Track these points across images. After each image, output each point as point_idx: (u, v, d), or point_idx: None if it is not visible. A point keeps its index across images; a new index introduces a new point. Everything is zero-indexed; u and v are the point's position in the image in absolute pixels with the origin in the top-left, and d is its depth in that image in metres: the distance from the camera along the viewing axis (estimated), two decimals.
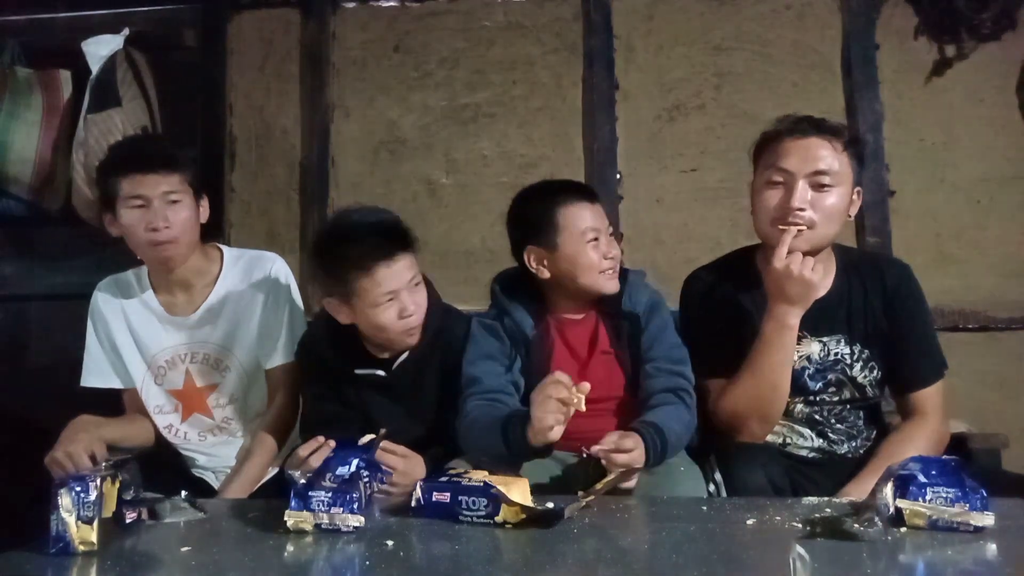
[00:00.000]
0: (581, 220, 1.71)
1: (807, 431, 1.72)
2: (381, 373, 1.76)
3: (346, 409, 1.78)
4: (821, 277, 1.68)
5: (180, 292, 1.94)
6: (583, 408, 1.46)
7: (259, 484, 1.86)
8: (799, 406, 1.71)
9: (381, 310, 1.66)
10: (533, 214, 1.75)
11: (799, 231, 1.61)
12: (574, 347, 1.76)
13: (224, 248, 2.00)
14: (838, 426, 1.72)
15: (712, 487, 1.58)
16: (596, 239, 1.71)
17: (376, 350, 1.76)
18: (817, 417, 1.71)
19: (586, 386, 1.46)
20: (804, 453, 1.70)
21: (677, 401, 1.64)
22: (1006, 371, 2.52)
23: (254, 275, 1.94)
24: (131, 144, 2.00)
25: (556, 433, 1.47)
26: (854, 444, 1.71)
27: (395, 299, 1.66)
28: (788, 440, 1.71)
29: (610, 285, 1.73)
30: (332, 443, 1.49)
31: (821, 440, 1.71)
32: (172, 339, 1.94)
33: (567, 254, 1.71)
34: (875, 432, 1.74)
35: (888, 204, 2.60)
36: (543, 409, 1.45)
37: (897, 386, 1.73)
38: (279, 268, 1.97)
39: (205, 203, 1.93)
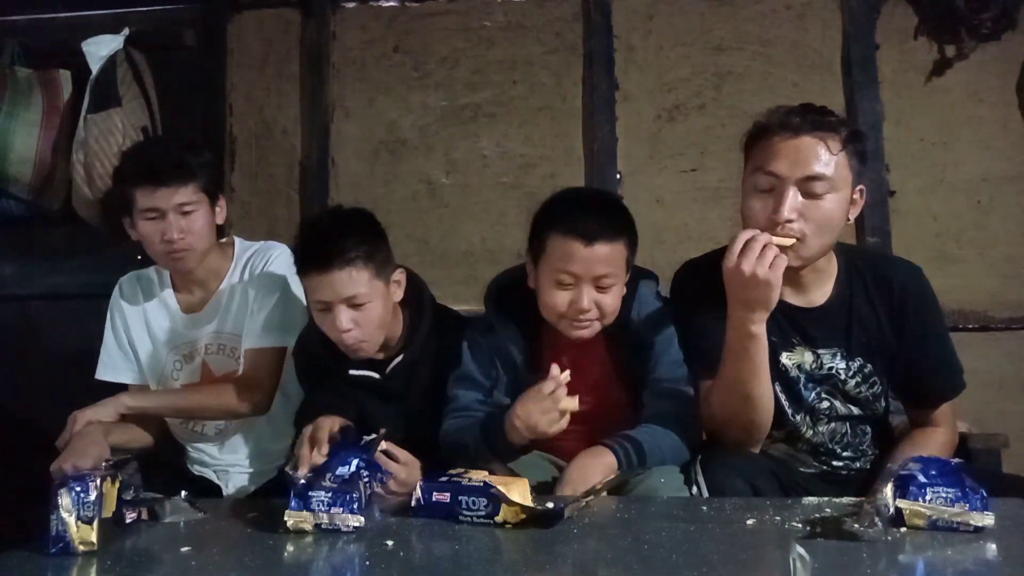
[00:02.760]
0: (560, 258, 1.58)
1: (810, 459, 1.64)
2: (375, 375, 1.75)
3: (342, 401, 1.76)
4: (820, 283, 1.60)
5: (198, 290, 1.97)
6: (575, 407, 1.49)
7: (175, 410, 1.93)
8: (804, 438, 1.62)
9: (316, 316, 1.67)
10: (539, 221, 1.66)
11: (773, 246, 1.43)
12: (571, 369, 1.65)
13: (238, 241, 2.03)
14: (845, 453, 1.64)
15: (695, 489, 1.48)
16: (569, 283, 1.58)
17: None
18: (822, 450, 1.63)
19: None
20: (806, 473, 1.63)
21: (672, 420, 1.58)
22: (1006, 371, 2.52)
23: (257, 265, 1.96)
24: (143, 153, 1.98)
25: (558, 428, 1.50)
26: (858, 464, 1.65)
27: (328, 310, 1.63)
28: (790, 465, 1.63)
29: (576, 335, 1.62)
30: (333, 427, 1.52)
31: (824, 467, 1.64)
32: (188, 335, 1.97)
33: (539, 281, 1.64)
34: (882, 448, 1.65)
35: (888, 204, 2.60)
36: (539, 411, 1.49)
37: (911, 401, 1.65)
38: (278, 256, 1.97)
39: (222, 203, 1.95)
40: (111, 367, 1.99)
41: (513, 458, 1.62)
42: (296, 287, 1.96)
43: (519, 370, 1.70)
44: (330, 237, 1.63)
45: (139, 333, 1.98)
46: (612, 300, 1.61)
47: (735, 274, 1.43)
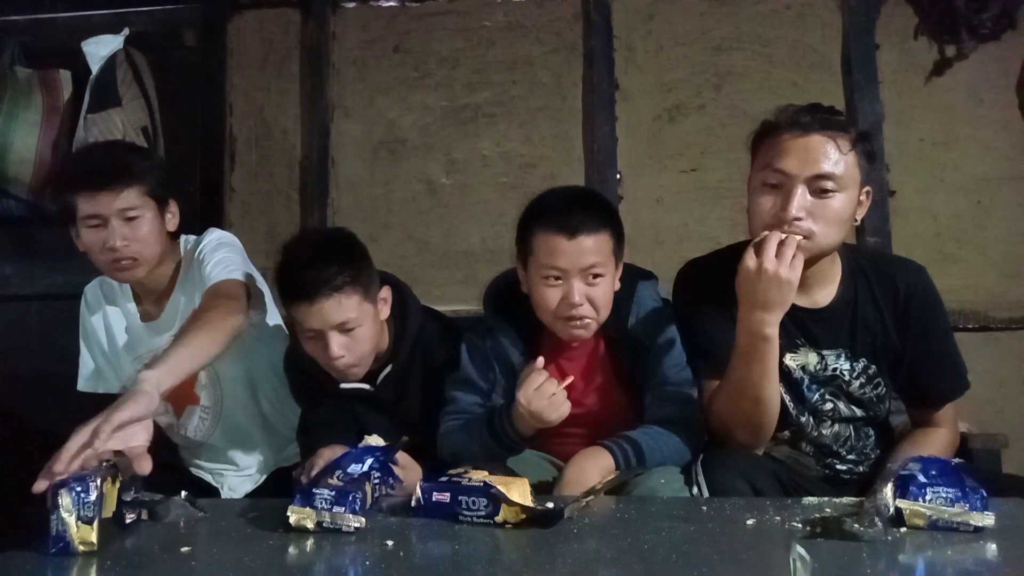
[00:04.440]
0: (545, 255, 1.58)
1: (813, 462, 1.64)
2: (367, 387, 1.74)
3: (341, 415, 1.76)
4: (824, 284, 1.59)
5: (154, 298, 1.91)
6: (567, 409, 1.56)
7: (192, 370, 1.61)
8: (809, 438, 1.62)
9: (306, 344, 1.65)
10: (523, 222, 1.67)
11: (787, 237, 1.44)
12: (571, 372, 1.66)
13: (181, 241, 1.93)
14: (849, 456, 1.63)
15: (696, 490, 1.47)
16: (557, 279, 1.58)
17: None
18: (826, 452, 1.62)
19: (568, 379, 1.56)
20: (809, 476, 1.62)
21: (675, 424, 1.58)
22: (1006, 371, 2.52)
23: (199, 245, 1.87)
24: (83, 158, 1.90)
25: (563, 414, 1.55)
26: (861, 468, 1.64)
27: (318, 338, 1.61)
28: (792, 467, 1.62)
29: (573, 334, 1.62)
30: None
31: (828, 471, 1.63)
32: (150, 343, 1.92)
33: (529, 282, 1.64)
34: (884, 451, 1.64)
35: (888, 204, 2.60)
36: (543, 404, 1.52)
37: (913, 401, 1.65)
38: (212, 235, 1.87)
39: (174, 209, 1.85)
40: (90, 378, 1.97)
41: (520, 451, 1.63)
42: (230, 243, 1.86)
43: (517, 374, 1.68)
44: (315, 265, 1.59)
45: (105, 341, 1.95)
46: (603, 293, 1.61)
47: (756, 274, 1.43)
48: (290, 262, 1.64)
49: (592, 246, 1.58)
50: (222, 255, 1.80)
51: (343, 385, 1.72)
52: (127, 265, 1.77)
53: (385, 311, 1.73)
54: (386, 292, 1.73)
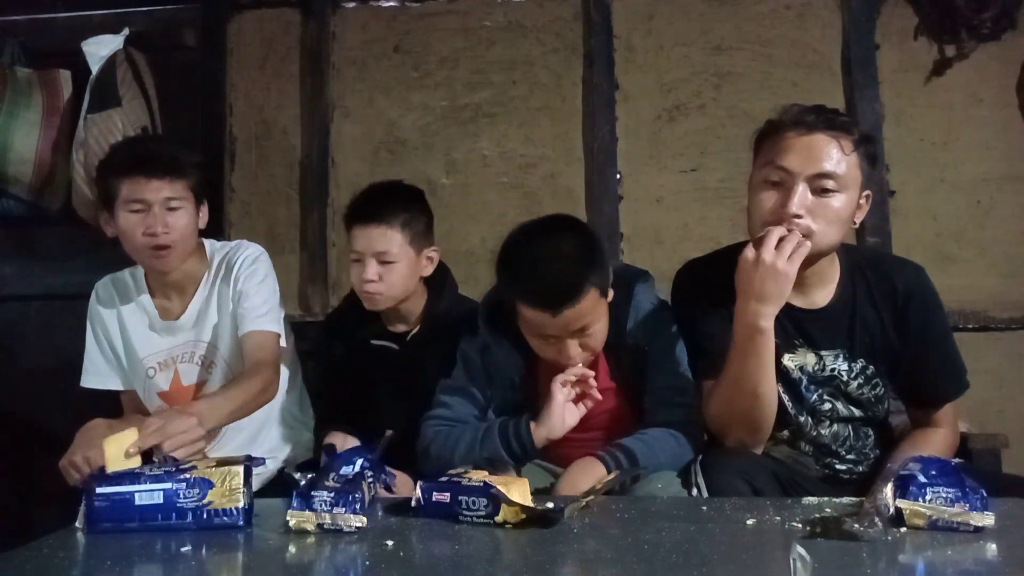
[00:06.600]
0: (534, 325, 1.58)
1: (812, 462, 1.63)
2: (394, 346, 1.92)
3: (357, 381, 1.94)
4: (822, 284, 1.59)
5: (175, 296, 1.93)
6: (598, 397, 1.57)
7: (234, 416, 1.69)
8: (808, 438, 1.62)
9: (352, 266, 1.86)
10: (500, 275, 1.64)
11: (789, 233, 1.46)
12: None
13: (207, 243, 1.97)
14: (848, 456, 1.63)
15: (695, 491, 1.47)
16: (550, 339, 1.59)
17: (392, 324, 1.95)
18: (825, 452, 1.62)
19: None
20: (808, 476, 1.62)
21: (675, 428, 1.58)
22: (1006, 371, 2.52)
23: (234, 258, 1.92)
24: (135, 146, 1.96)
25: (571, 421, 1.57)
26: (860, 468, 1.64)
27: (360, 261, 1.83)
28: (791, 467, 1.61)
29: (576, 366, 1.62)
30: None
31: (827, 471, 1.63)
32: (165, 343, 1.93)
33: (524, 332, 1.64)
34: (884, 451, 1.64)
35: (888, 204, 2.60)
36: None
37: (913, 402, 1.65)
38: (249, 250, 1.94)
39: (205, 209, 1.91)
40: (96, 374, 1.97)
41: (527, 461, 1.64)
42: (270, 274, 1.93)
43: (515, 388, 1.69)
44: (378, 198, 1.88)
45: (117, 338, 1.95)
46: (598, 339, 1.62)
47: (754, 264, 1.45)
48: (363, 192, 1.92)
49: (580, 312, 1.54)
50: (265, 290, 1.89)
51: (374, 341, 1.93)
52: (164, 252, 1.82)
53: (428, 268, 1.93)
54: (434, 253, 1.94)
